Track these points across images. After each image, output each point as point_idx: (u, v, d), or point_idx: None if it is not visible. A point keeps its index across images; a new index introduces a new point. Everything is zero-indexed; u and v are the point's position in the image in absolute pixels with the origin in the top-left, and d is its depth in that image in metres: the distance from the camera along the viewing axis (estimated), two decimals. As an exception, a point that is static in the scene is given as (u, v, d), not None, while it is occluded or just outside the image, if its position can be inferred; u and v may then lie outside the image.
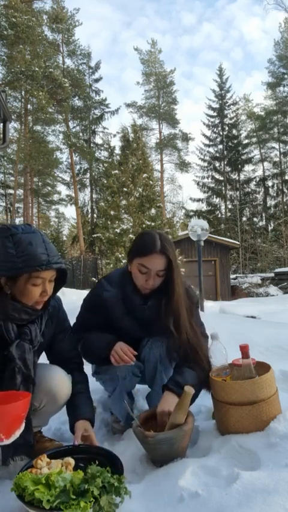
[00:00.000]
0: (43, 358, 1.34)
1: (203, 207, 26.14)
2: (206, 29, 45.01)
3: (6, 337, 1.14)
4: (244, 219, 24.37)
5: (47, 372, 1.26)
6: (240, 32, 45.24)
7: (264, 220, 25.12)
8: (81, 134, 22.56)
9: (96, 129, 23.14)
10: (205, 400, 1.58)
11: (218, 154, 26.12)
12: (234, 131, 26.08)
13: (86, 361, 1.47)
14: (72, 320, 1.48)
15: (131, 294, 1.40)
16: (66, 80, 18.97)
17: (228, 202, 26.02)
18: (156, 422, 1.27)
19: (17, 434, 0.96)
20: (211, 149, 26.27)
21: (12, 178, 21.31)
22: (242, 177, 26.32)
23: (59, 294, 1.40)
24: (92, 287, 1.58)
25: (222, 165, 26.02)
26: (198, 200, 26.21)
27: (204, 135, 26.19)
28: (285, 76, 23.59)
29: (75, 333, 1.45)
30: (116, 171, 13.18)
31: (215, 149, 26.30)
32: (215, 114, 26.23)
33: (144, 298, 1.39)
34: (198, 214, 24.98)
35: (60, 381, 1.26)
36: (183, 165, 25.93)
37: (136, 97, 57.90)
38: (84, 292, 1.72)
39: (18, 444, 1.10)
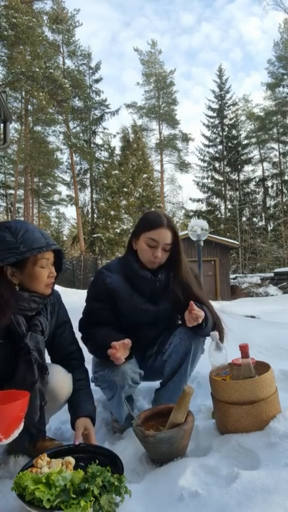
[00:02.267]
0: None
1: (203, 207, 26.19)
2: (205, 29, 45.21)
3: (18, 331, 1.15)
4: (244, 219, 24.38)
5: (50, 369, 1.26)
6: (239, 32, 45.36)
7: (263, 221, 25.14)
8: (81, 135, 22.58)
9: (96, 130, 23.15)
10: (205, 399, 1.58)
11: (217, 155, 26.14)
12: (233, 132, 26.10)
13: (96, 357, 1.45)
14: (72, 317, 1.47)
15: (139, 271, 1.41)
16: (66, 80, 18.99)
17: (228, 203, 26.03)
18: (156, 421, 1.28)
19: (16, 433, 0.96)
20: (211, 150, 26.31)
21: (12, 178, 21.34)
22: (241, 177, 26.34)
23: (60, 292, 1.41)
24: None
25: (222, 165, 26.03)
26: (198, 200, 26.24)
27: (204, 135, 26.24)
28: (285, 77, 23.61)
29: (83, 327, 1.44)
30: (116, 172, 13.22)
31: (215, 150, 26.33)
32: (215, 114, 26.26)
33: (153, 272, 1.42)
34: (198, 214, 25.00)
35: (61, 380, 1.27)
36: (183, 166, 25.95)
37: (135, 97, 58.07)
38: (85, 292, 1.72)
39: (32, 434, 1.14)
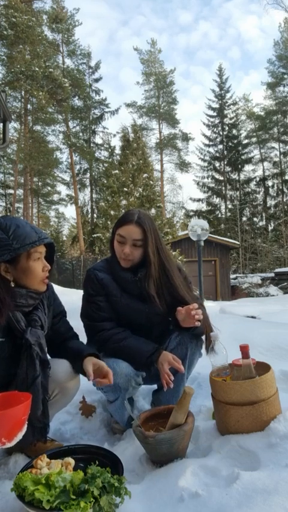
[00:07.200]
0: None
1: (203, 207, 26.18)
2: (203, 28, 44.96)
3: (17, 327, 1.15)
4: (244, 219, 24.37)
5: (55, 363, 1.27)
6: (237, 30, 45.17)
7: (264, 220, 25.13)
8: (81, 134, 22.55)
9: (96, 129, 23.12)
10: (205, 400, 1.58)
11: (218, 154, 26.13)
12: (234, 131, 26.09)
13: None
14: (72, 317, 1.46)
15: (120, 272, 1.44)
16: (66, 79, 18.96)
17: (228, 202, 26.02)
18: (156, 422, 1.27)
19: (19, 436, 0.96)
20: (211, 149, 26.31)
21: (12, 178, 21.32)
22: (242, 177, 26.33)
23: (58, 293, 1.40)
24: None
25: (222, 165, 26.02)
26: (198, 200, 26.24)
27: (204, 135, 26.24)
28: (285, 76, 23.59)
29: (92, 325, 1.42)
30: (116, 171, 13.21)
31: (215, 149, 26.33)
32: (215, 114, 26.26)
33: (134, 272, 1.43)
34: (198, 214, 24.99)
35: (69, 372, 1.29)
36: (183, 165, 25.94)
37: (134, 96, 57.90)
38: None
39: (36, 427, 1.14)
